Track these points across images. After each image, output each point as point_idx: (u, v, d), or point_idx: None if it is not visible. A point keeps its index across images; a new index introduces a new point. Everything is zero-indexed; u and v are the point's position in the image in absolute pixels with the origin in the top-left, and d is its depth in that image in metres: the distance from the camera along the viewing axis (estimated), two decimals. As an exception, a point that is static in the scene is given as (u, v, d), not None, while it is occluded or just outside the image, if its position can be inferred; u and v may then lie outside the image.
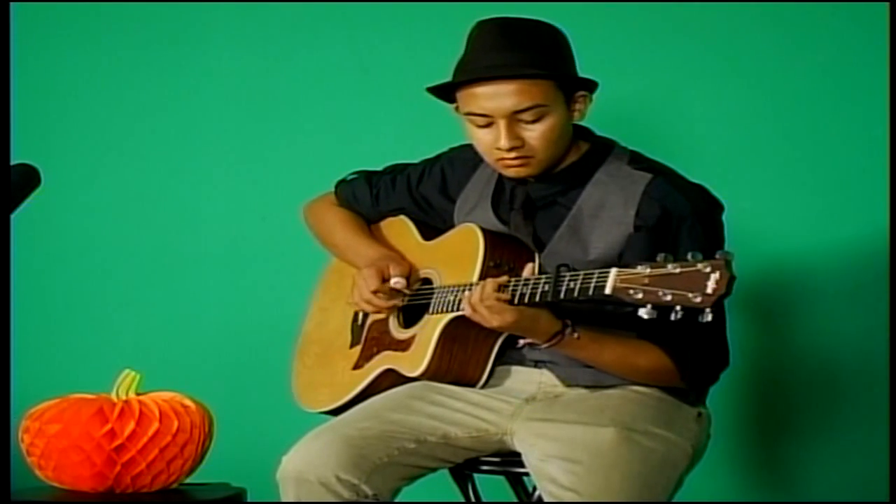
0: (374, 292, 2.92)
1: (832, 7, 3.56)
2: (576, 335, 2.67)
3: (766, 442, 3.67)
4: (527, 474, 2.77)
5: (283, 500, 2.74)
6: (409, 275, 2.95)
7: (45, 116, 3.89)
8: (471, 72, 2.73)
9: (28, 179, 2.58)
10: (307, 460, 2.70)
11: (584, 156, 2.82)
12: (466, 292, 2.71)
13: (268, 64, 3.83)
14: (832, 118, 3.59)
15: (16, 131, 3.82)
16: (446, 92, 2.78)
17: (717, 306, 2.39)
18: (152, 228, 3.87)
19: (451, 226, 2.97)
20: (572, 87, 2.75)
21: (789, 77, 3.60)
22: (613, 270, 2.48)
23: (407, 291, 2.93)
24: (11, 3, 3.81)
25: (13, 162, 2.61)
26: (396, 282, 2.92)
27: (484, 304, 2.65)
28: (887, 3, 3.51)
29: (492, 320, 2.66)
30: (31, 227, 3.62)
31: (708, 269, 2.39)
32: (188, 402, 3.04)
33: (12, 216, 2.58)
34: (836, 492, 3.55)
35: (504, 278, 2.67)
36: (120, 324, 3.87)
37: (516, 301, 2.65)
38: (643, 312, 2.43)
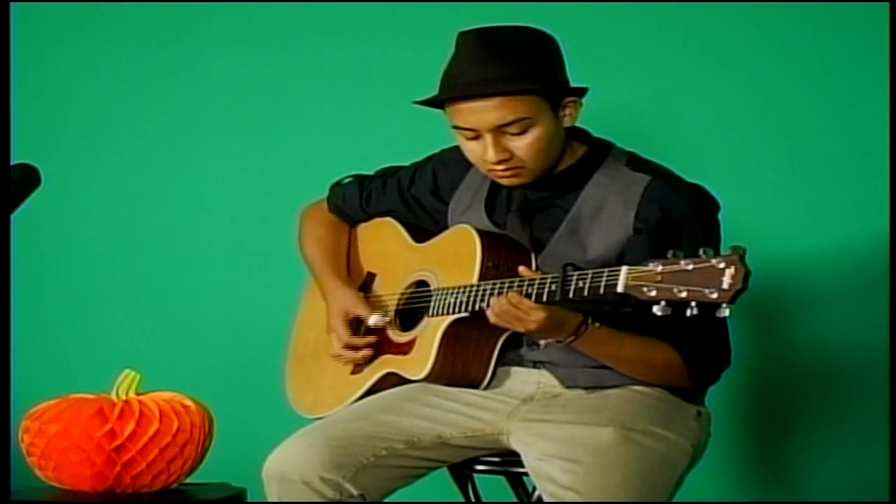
0: (346, 345, 2.96)
1: (832, 7, 3.56)
2: (597, 324, 2.66)
3: (766, 442, 3.67)
4: (526, 474, 2.77)
5: (268, 499, 2.75)
6: (369, 311, 2.98)
7: (45, 116, 3.89)
8: (453, 88, 2.72)
9: (28, 179, 2.57)
10: (291, 460, 2.71)
11: (581, 158, 2.82)
12: (490, 306, 2.67)
13: (268, 64, 3.83)
14: (832, 118, 3.59)
15: (16, 131, 3.82)
16: (435, 102, 2.78)
17: (734, 302, 2.38)
18: (152, 228, 3.87)
19: (444, 227, 2.96)
20: (559, 95, 2.74)
21: (789, 77, 3.60)
22: (624, 268, 2.48)
23: (386, 322, 2.95)
24: (11, 3, 3.81)
25: (13, 162, 2.61)
26: (377, 321, 2.94)
27: (510, 313, 2.63)
28: (887, 3, 3.51)
29: (521, 326, 2.65)
30: (31, 227, 3.63)
31: (722, 265, 2.39)
32: (188, 402, 3.04)
33: (12, 216, 2.58)
34: (836, 492, 3.55)
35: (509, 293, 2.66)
36: (120, 324, 3.87)
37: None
38: (657, 309, 2.42)
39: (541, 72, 2.71)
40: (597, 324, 2.66)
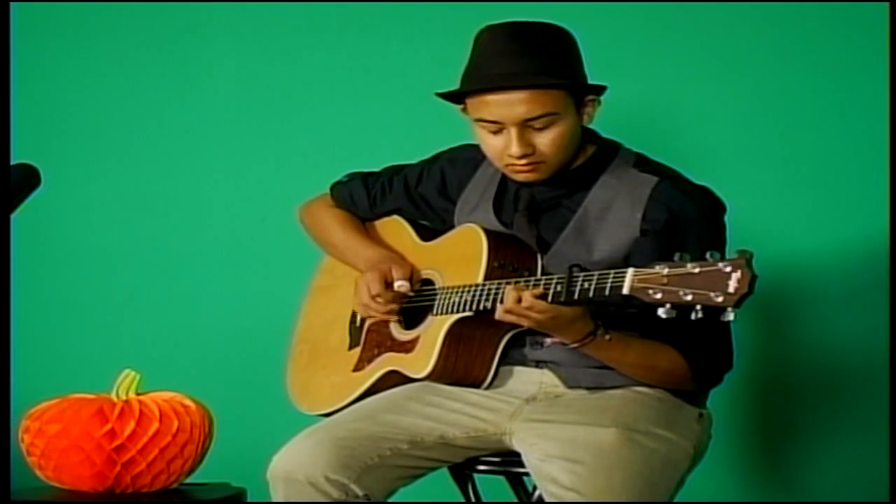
0: (376, 296, 2.91)
1: (832, 7, 3.56)
2: (607, 336, 2.66)
3: (766, 442, 3.67)
4: (527, 474, 2.77)
5: (273, 499, 2.74)
6: (412, 276, 2.95)
7: (45, 116, 3.89)
8: (482, 79, 2.71)
9: (28, 179, 2.57)
10: (297, 460, 2.71)
11: (590, 158, 2.82)
12: (500, 303, 2.66)
13: (268, 64, 3.83)
14: (832, 118, 3.59)
15: (16, 131, 3.82)
16: (455, 96, 2.78)
17: (740, 306, 2.37)
18: (152, 228, 3.87)
19: (451, 226, 2.96)
20: (582, 92, 2.74)
21: (789, 77, 3.60)
22: (630, 270, 2.47)
23: (411, 294, 2.92)
24: (11, 3, 3.81)
25: (13, 162, 2.61)
26: (400, 285, 2.92)
27: (521, 310, 2.62)
28: (887, 3, 3.51)
29: (526, 322, 2.65)
30: (31, 227, 3.62)
31: (728, 269, 2.38)
32: (188, 402, 3.04)
33: (12, 216, 2.58)
34: (836, 492, 3.55)
35: (521, 285, 2.65)
36: (120, 324, 3.87)
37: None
38: (662, 312, 2.42)
39: (568, 68, 2.72)
40: (607, 336, 2.66)
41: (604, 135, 2.86)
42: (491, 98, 2.70)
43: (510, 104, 2.69)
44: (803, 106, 3.60)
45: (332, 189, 3.16)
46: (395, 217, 3.08)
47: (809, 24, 3.59)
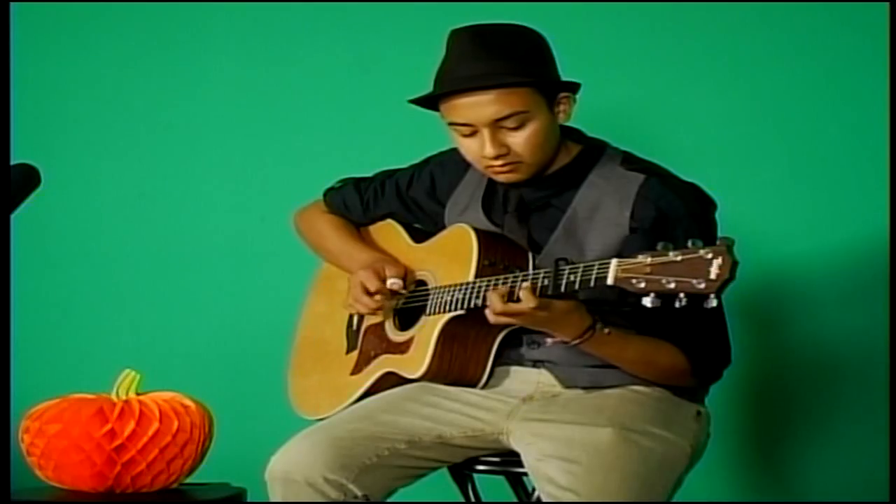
0: (371, 294, 2.92)
1: (832, 7, 3.56)
2: (606, 330, 2.67)
3: (765, 442, 3.67)
4: (526, 474, 2.76)
5: (271, 499, 2.74)
6: (405, 276, 2.95)
7: (45, 116, 3.90)
8: (449, 83, 2.73)
9: (28, 179, 2.58)
10: (295, 460, 2.71)
11: (576, 157, 2.82)
12: (488, 306, 2.66)
13: (268, 64, 3.83)
14: (832, 119, 3.59)
15: (16, 131, 3.83)
16: (430, 102, 2.79)
17: (722, 292, 2.38)
18: (152, 228, 3.87)
19: (442, 228, 2.97)
20: (554, 90, 2.75)
21: (788, 78, 3.60)
22: (614, 261, 2.48)
23: (404, 292, 2.93)
24: (11, 3, 3.81)
25: (13, 162, 2.61)
26: (393, 283, 2.93)
27: (512, 308, 2.62)
28: (887, 4, 3.51)
29: (520, 321, 2.66)
30: (31, 227, 3.63)
31: (710, 255, 2.39)
32: (188, 402, 3.04)
33: (12, 216, 2.58)
34: (835, 492, 3.55)
35: (501, 287, 2.66)
36: (120, 324, 3.88)
37: (514, 297, 2.65)
38: (647, 301, 2.43)
39: (535, 67, 2.72)
40: (606, 329, 2.66)
41: (599, 134, 2.86)
42: (459, 101, 2.71)
43: (479, 106, 2.70)
44: (803, 106, 3.60)
45: (325, 195, 3.17)
46: (389, 221, 3.09)
47: (809, 23, 3.59)
